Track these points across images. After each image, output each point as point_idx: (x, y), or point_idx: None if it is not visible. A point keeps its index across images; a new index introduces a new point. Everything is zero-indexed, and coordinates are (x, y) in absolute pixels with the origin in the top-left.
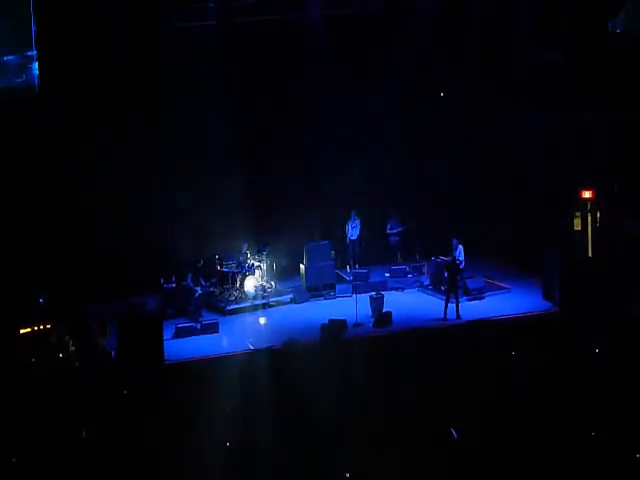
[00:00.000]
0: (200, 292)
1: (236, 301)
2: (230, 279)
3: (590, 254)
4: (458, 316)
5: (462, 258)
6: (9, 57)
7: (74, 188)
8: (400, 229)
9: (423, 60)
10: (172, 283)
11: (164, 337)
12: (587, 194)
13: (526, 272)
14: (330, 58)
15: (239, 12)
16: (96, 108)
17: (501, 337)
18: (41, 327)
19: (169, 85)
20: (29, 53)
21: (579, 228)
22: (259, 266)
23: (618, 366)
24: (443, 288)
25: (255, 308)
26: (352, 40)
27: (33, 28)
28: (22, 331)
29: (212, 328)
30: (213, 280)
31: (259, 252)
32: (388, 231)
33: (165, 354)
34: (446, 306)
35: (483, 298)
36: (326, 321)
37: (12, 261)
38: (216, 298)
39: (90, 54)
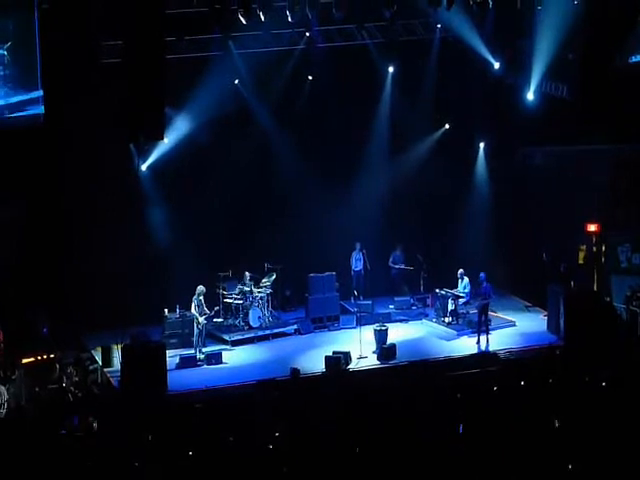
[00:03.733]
0: (204, 322)
1: (240, 332)
2: (234, 309)
3: (595, 287)
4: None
5: (468, 291)
6: (18, 97)
7: (78, 217)
8: (402, 265)
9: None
10: (176, 313)
11: (167, 367)
12: (592, 227)
13: (531, 305)
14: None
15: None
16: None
17: (506, 369)
18: (44, 356)
19: None
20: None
21: (583, 262)
22: (263, 296)
23: (621, 398)
24: (447, 320)
25: (259, 339)
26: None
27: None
28: (25, 360)
29: (216, 359)
30: (217, 309)
31: (262, 282)
32: (390, 264)
33: (168, 384)
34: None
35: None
36: (330, 353)
37: (15, 290)
38: (220, 328)
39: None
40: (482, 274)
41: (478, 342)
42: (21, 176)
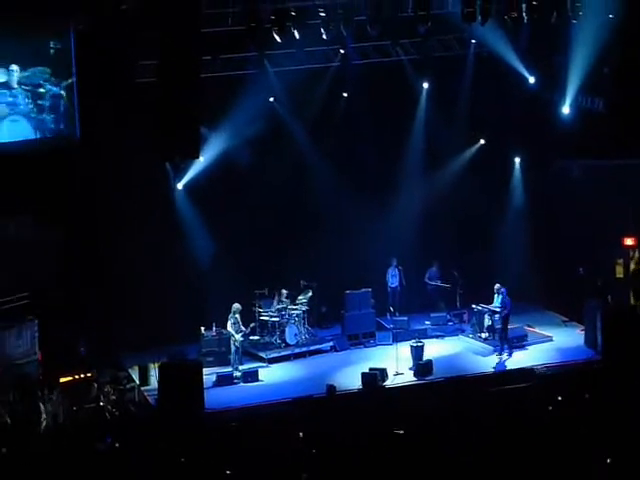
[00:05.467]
0: (240, 340)
1: (276, 349)
2: (270, 327)
3: (632, 301)
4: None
5: (506, 305)
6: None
7: (114, 235)
8: (438, 282)
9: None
10: (212, 331)
11: (204, 385)
12: (629, 241)
13: (568, 320)
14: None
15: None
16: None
17: (543, 385)
18: (82, 376)
19: None
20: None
21: (621, 275)
22: (299, 313)
23: None
24: (484, 336)
25: (296, 356)
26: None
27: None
28: (63, 380)
29: (252, 376)
30: (253, 327)
31: (299, 299)
32: (426, 280)
33: (205, 402)
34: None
35: (524, 347)
36: (366, 369)
37: (53, 310)
38: (256, 346)
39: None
40: (501, 287)
41: (500, 354)
42: (58, 196)
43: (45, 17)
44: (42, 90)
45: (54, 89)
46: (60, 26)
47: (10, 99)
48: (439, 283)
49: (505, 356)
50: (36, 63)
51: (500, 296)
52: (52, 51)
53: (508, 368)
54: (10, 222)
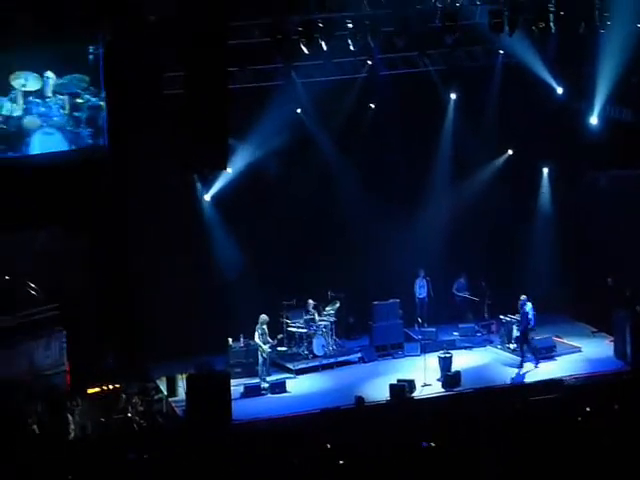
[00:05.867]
0: (268, 351)
1: (304, 360)
2: (298, 338)
3: None
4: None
5: (532, 316)
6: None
7: (142, 246)
8: (466, 294)
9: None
10: (240, 342)
11: (232, 397)
12: None
13: (597, 330)
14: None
15: None
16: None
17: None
18: (110, 387)
19: None
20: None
21: None
22: (326, 324)
23: None
24: (512, 347)
25: (323, 367)
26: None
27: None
28: (91, 390)
29: (280, 388)
30: (280, 338)
31: (326, 310)
32: (454, 291)
33: (233, 414)
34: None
35: (553, 357)
36: (394, 381)
37: (80, 320)
38: (284, 357)
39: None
40: (526, 299)
41: (520, 366)
42: (87, 207)
43: (83, 20)
44: (80, 100)
45: (93, 99)
46: (98, 30)
47: (43, 109)
48: (467, 295)
49: (530, 366)
50: (73, 70)
51: (528, 307)
52: (91, 57)
53: (537, 379)
54: (39, 233)
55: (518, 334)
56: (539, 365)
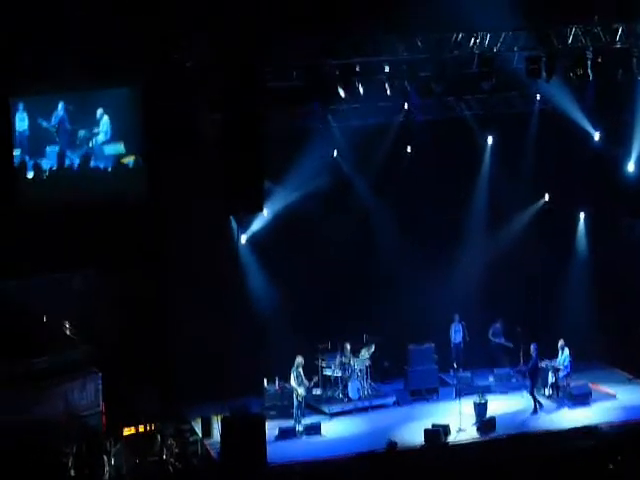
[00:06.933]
0: (303, 394)
1: (339, 404)
2: (333, 381)
3: None
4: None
5: (568, 363)
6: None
7: (178, 288)
8: (502, 339)
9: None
10: (275, 384)
11: (267, 439)
12: None
13: (633, 377)
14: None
15: None
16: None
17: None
18: (145, 428)
19: None
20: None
21: None
22: (362, 368)
23: None
24: (547, 393)
25: (358, 410)
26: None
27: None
28: (126, 432)
29: (315, 430)
30: (315, 381)
31: (361, 354)
32: (490, 336)
33: (267, 456)
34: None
35: (588, 404)
36: (429, 425)
37: (116, 361)
38: (319, 400)
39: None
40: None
41: (534, 412)
42: (124, 249)
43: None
44: None
45: None
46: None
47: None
48: (503, 341)
49: (565, 412)
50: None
51: (564, 353)
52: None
53: (572, 426)
54: (76, 274)
55: (562, 381)
56: (573, 410)
